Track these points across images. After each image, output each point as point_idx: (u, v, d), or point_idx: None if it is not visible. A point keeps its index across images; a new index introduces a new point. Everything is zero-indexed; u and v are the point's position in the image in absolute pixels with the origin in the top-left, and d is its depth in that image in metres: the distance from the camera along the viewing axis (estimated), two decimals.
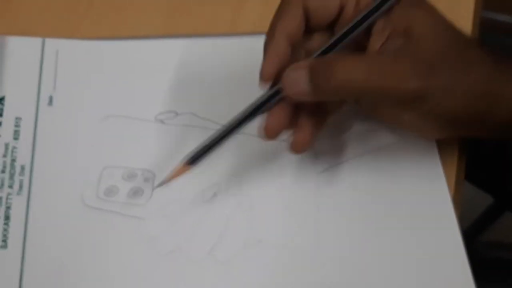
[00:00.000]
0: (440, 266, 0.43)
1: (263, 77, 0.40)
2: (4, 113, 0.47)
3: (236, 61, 0.49)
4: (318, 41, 0.42)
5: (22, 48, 0.49)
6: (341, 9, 0.41)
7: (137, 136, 0.47)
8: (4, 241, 0.43)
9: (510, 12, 0.74)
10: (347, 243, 0.44)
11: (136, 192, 0.45)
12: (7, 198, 0.44)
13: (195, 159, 0.41)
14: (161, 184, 0.43)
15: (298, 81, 0.39)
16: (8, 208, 0.44)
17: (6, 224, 0.43)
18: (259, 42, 0.47)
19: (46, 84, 0.48)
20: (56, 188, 0.45)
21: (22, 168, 0.45)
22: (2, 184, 0.44)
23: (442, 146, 0.47)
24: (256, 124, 0.42)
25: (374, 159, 0.47)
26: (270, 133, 0.41)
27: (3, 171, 0.45)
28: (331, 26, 0.43)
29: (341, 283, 0.43)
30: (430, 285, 0.43)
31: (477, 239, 0.81)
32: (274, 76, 0.40)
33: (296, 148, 0.42)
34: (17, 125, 0.46)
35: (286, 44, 0.40)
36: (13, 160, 0.45)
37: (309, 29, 0.42)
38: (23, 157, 0.45)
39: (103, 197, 0.45)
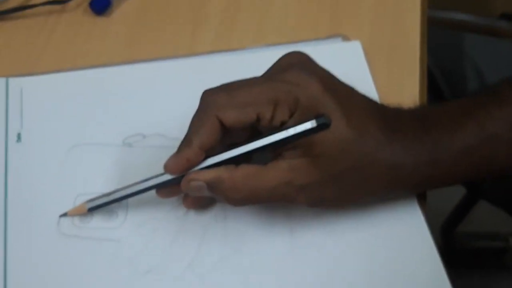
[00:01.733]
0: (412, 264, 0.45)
1: (166, 169, 0.43)
2: None
3: (198, 80, 0.51)
4: (238, 137, 0.43)
5: None
6: (258, 119, 0.42)
7: (106, 162, 0.48)
8: None
9: (458, 8, 0.77)
10: (322, 240, 0.45)
11: (110, 216, 0.46)
12: None
13: (95, 208, 0.45)
14: (62, 215, 0.46)
15: (199, 190, 0.42)
16: None
17: None
18: (218, 59, 0.49)
19: (13, 122, 0.49)
20: (32, 222, 0.46)
21: None
22: None
23: None
24: None
25: None
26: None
27: None
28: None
29: (320, 283, 0.44)
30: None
31: (455, 230, 0.83)
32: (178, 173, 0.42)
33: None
34: None
35: (200, 153, 0.42)
36: None
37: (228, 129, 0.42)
38: None
39: (79, 225, 0.46)
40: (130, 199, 0.46)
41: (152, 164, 0.47)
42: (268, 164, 0.42)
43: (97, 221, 0.46)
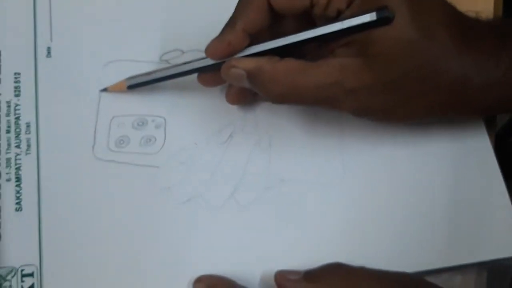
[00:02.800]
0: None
1: (207, 53, 0.39)
2: (2, 69, 0.44)
3: None
4: (289, 27, 0.39)
5: None
6: (312, 5, 0.37)
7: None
8: (18, 203, 0.41)
9: None
10: (375, 175, 0.42)
11: (148, 140, 0.43)
12: (15, 159, 0.42)
13: (134, 86, 0.43)
14: (103, 90, 0.44)
15: (238, 79, 0.38)
16: (18, 169, 0.42)
17: (18, 186, 0.42)
18: None
19: (42, 34, 0.45)
20: (64, 144, 0.43)
21: (28, 125, 0.43)
22: (9, 145, 0.42)
23: None
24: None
25: None
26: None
27: (8, 131, 0.43)
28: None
29: (370, 219, 0.41)
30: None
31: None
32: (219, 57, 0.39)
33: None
34: (16, 81, 0.44)
35: (243, 37, 0.38)
36: (17, 118, 0.43)
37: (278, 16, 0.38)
38: (27, 114, 0.43)
39: (115, 149, 0.43)
40: (168, 123, 0.43)
41: (191, 83, 0.43)
42: (317, 61, 0.37)
43: (133, 145, 0.43)
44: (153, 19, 0.46)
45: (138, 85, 0.43)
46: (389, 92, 0.37)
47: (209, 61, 0.39)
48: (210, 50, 0.38)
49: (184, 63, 0.41)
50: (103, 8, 0.46)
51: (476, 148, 0.43)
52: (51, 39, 0.45)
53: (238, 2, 0.38)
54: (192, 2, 0.46)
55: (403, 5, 0.36)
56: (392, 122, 0.41)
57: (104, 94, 0.44)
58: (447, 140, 0.43)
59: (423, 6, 0.36)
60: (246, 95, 0.42)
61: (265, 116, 0.44)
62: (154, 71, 0.42)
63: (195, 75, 0.42)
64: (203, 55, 0.41)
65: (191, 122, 0.43)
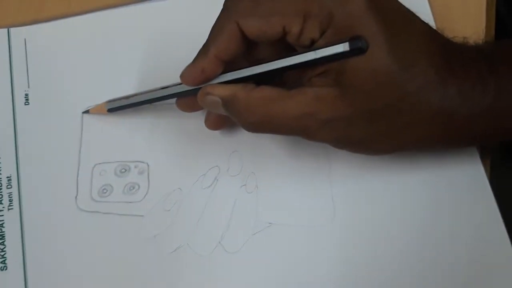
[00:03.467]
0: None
1: (182, 79, 0.38)
2: None
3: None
4: (266, 52, 0.38)
5: None
6: (284, 33, 0.36)
7: (123, 124, 0.43)
8: (3, 262, 0.41)
9: None
10: (367, 215, 0.40)
11: (131, 188, 0.42)
12: None
13: (114, 109, 0.42)
14: (85, 112, 0.43)
15: (214, 105, 0.38)
16: (1, 226, 0.41)
17: (1, 243, 0.41)
18: None
19: (19, 81, 0.44)
20: (47, 196, 0.42)
21: (9, 180, 0.42)
22: None
23: None
24: None
25: None
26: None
27: None
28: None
29: (363, 259, 0.40)
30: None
31: None
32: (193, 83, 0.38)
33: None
34: None
35: (216, 63, 0.37)
36: None
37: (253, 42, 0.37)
38: (7, 168, 0.42)
39: (98, 199, 0.42)
40: (151, 169, 0.41)
41: (175, 123, 0.42)
42: (292, 90, 0.36)
43: (117, 194, 0.42)
44: (131, 60, 0.44)
45: (117, 108, 0.42)
46: (368, 123, 0.35)
47: (185, 87, 0.38)
48: (184, 76, 0.38)
49: (162, 88, 0.40)
50: (79, 52, 0.45)
51: (470, 176, 0.41)
52: (28, 85, 0.44)
53: (212, 28, 0.37)
54: (168, 41, 0.45)
55: (380, 33, 0.34)
56: (377, 154, 0.39)
57: (85, 141, 0.43)
58: (440, 170, 0.41)
59: (402, 34, 0.34)
60: (225, 120, 0.41)
61: (250, 156, 0.42)
62: (133, 95, 0.41)
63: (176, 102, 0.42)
64: None
65: (175, 166, 0.42)
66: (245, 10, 0.36)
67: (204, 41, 0.37)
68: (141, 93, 0.41)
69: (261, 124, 0.37)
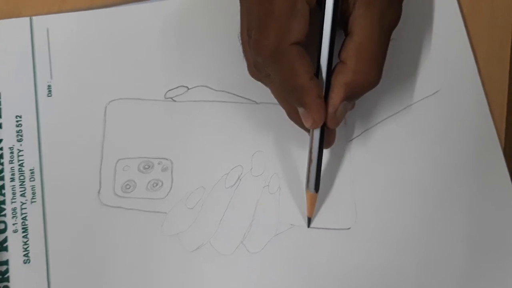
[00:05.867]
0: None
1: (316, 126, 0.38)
2: (3, 113, 0.43)
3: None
4: None
5: (9, 32, 0.44)
6: None
7: (147, 120, 0.43)
8: (26, 255, 0.41)
9: None
10: (388, 218, 0.41)
11: (155, 185, 0.42)
12: (21, 208, 0.41)
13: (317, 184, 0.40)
14: (309, 223, 0.42)
15: (346, 110, 0.38)
16: (24, 219, 0.41)
17: (25, 237, 0.41)
18: None
19: (42, 72, 0.44)
20: (70, 190, 0.42)
21: (32, 172, 0.42)
22: (14, 193, 0.42)
23: (490, 81, 0.44)
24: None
25: (416, 113, 0.44)
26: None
27: (12, 179, 0.42)
28: None
29: (383, 264, 0.41)
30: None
31: None
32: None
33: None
34: (18, 124, 0.43)
35: (321, 97, 0.37)
36: (21, 165, 0.42)
37: None
38: (30, 160, 0.42)
39: (121, 194, 0.42)
40: (175, 166, 0.42)
41: (199, 121, 0.42)
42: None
43: (140, 190, 0.42)
44: (156, 55, 0.44)
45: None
46: None
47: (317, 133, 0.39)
48: (315, 123, 0.38)
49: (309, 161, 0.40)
50: (102, 43, 0.44)
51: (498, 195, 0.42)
52: (51, 76, 0.44)
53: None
54: (193, 37, 0.44)
55: None
56: None
57: (108, 135, 0.43)
58: (468, 190, 0.42)
59: None
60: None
61: (274, 156, 0.42)
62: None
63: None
64: (210, 90, 0.42)
65: (199, 165, 0.42)
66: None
67: None
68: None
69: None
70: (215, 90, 0.44)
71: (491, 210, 0.42)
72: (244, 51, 0.39)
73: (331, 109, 0.37)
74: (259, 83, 0.40)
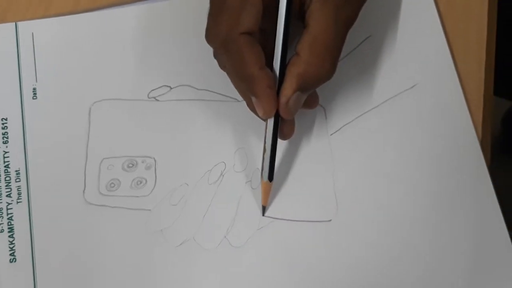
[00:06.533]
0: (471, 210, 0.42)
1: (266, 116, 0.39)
2: None
3: None
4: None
5: None
6: None
7: (131, 119, 0.44)
8: (12, 254, 0.41)
9: None
10: (369, 210, 0.42)
11: (139, 183, 0.43)
12: (7, 208, 0.42)
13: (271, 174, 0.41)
14: (264, 212, 0.42)
15: (300, 101, 0.38)
16: (10, 219, 0.42)
17: (11, 236, 0.42)
18: None
19: (27, 75, 0.45)
20: (55, 190, 0.42)
21: (17, 173, 0.43)
22: (0, 194, 0.42)
23: (466, 74, 0.45)
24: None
25: (394, 106, 0.44)
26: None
27: None
28: None
29: (365, 254, 0.41)
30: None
31: None
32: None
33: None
34: (4, 126, 0.44)
35: (272, 86, 0.38)
36: (7, 166, 0.43)
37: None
38: (16, 162, 0.43)
39: (105, 193, 0.43)
40: (158, 164, 0.42)
41: (182, 120, 0.43)
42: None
43: (124, 188, 0.43)
44: (139, 56, 0.45)
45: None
46: None
47: (271, 123, 0.40)
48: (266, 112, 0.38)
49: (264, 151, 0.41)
50: (86, 47, 0.45)
51: (474, 176, 0.42)
52: (36, 79, 0.45)
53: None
54: (174, 38, 0.45)
55: None
56: None
57: (92, 135, 0.44)
58: (444, 166, 0.43)
59: None
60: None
61: (256, 152, 0.43)
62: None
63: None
64: (192, 89, 0.43)
65: (182, 162, 0.43)
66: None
67: None
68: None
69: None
70: (197, 89, 0.44)
71: (469, 201, 0.42)
72: None
73: (283, 99, 0.38)
74: None
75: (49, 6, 0.46)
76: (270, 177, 0.40)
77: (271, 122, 0.39)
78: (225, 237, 0.42)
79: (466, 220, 0.42)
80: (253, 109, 0.39)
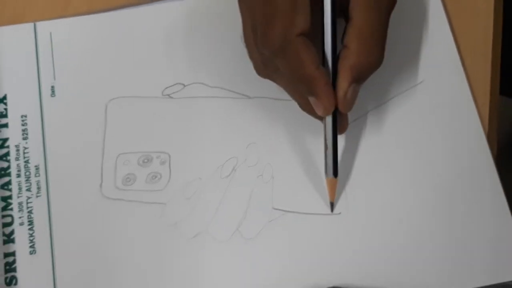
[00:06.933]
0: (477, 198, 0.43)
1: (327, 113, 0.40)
2: (9, 113, 0.45)
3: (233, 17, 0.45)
4: None
5: (15, 37, 0.47)
6: None
7: (146, 116, 0.45)
8: (32, 246, 0.43)
9: None
10: (381, 206, 0.43)
11: (154, 177, 0.44)
12: (27, 202, 0.44)
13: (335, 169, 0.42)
14: (332, 208, 0.43)
15: (356, 93, 0.39)
16: (30, 212, 0.43)
17: (30, 229, 0.43)
18: None
19: (46, 73, 0.46)
20: (73, 184, 0.44)
21: (37, 168, 0.44)
22: (20, 189, 0.44)
23: (473, 71, 0.46)
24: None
25: (401, 103, 0.45)
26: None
27: (18, 175, 0.44)
28: None
29: (376, 247, 0.42)
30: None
31: None
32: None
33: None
34: (23, 123, 0.45)
35: (328, 83, 0.39)
36: (27, 162, 0.44)
37: None
38: (35, 157, 0.45)
39: (122, 187, 0.44)
40: (173, 159, 0.44)
41: (195, 116, 0.44)
42: None
43: (140, 183, 0.44)
44: (153, 54, 0.46)
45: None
46: None
47: (329, 120, 0.41)
48: (326, 110, 0.39)
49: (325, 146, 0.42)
50: (103, 45, 0.47)
51: (481, 170, 0.43)
52: (54, 77, 0.46)
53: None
54: (188, 37, 0.47)
55: None
56: None
57: (109, 131, 0.45)
58: (450, 163, 0.44)
59: None
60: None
61: (267, 147, 0.44)
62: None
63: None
64: (205, 87, 0.45)
65: (195, 157, 0.44)
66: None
67: None
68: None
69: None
70: (210, 87, 0.46)
71: (476, 196, 0.43)
72: (250, 51, 0.41)
73: (340, 93, 0.39)
74: (252, 78, 0.42)
75: (66, 7, 0.48)
76: (335, 173, 0.41)
77: (329, 119, 0.40)
78: (237, 229, 0.43)
79: (472, 215, 0.43)
80: (308, 110, 0.41)
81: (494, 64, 0.46)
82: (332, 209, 0.43)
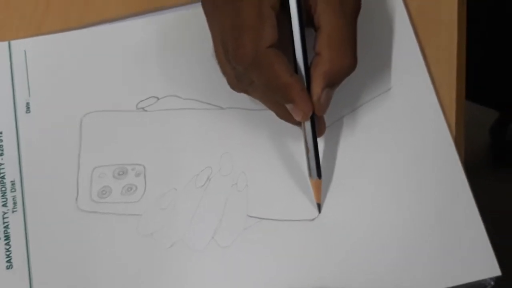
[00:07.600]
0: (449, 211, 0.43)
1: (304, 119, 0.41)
2: None
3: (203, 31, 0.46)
4: None
5: None
6: None
7: (121, 129, 0.46)
8: (9, 261, 0.43)
9: None
10: (354, 209, 0.44)
11: (129, 189, 0.45)
12: (3, 217, 0.44)
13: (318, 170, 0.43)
14: (319, 209, 0.44)
15: (330, 97, 0.41)
16: (6, 227, 0.44)
17: (7, 244, 0.43)
18: None
19: (20, 91, 0.47)
20: (49, 198, 0.44)
21: (12, 184, 0.45)
22: None
23: (439, 77, 0.47)
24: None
25: (371, 110, 0.46)
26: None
27: None
28: None
29: (351, 252, 0.43)
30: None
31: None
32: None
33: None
34: None
35: (303, 87, 0.40)
36: (2, 177, 0.45)
37: None
38: (11, 173, 0.45)
39: (97, 200, 0.44)
40: (148, 171, 0.44)
41: (170, 128, 0.45)
42: None
43: (115, 195, 0.45)
44: (127, 69, 0.47)
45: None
46: None
47: (308, 125, 0.42)
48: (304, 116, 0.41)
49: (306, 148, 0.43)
50: (77, 61, 0.47)
51: (451, 181, 0.44)
52: (29, 94, 0.47)
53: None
54: (160, 52, 0.48)
55: None
56: None
57: (84, 146, 0.46)
58: (424, 181, 0.45)
59: None
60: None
61: (241, 157, 0.45)
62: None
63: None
64: (179, 99, 0.45)
65: (170, 168, 0.45)
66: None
67: None
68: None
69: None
70: (184, 99, 0.47)
71: (445, 195, 0.44)
72: (222, 66, 0.42)
73: (315, 98, 0.40)
74: (224, 89, 0.43)
75: (40, 26, 0.49)
76: (319, 174, 0.42)
77: (308, 123, 0.41)
78: (213, 237, 0.43)
79: (442, 216, 0.44)
80: (286, 117, 0.42)
81: (459, 70, 0.48)
82: (319, 210, 0.44)
